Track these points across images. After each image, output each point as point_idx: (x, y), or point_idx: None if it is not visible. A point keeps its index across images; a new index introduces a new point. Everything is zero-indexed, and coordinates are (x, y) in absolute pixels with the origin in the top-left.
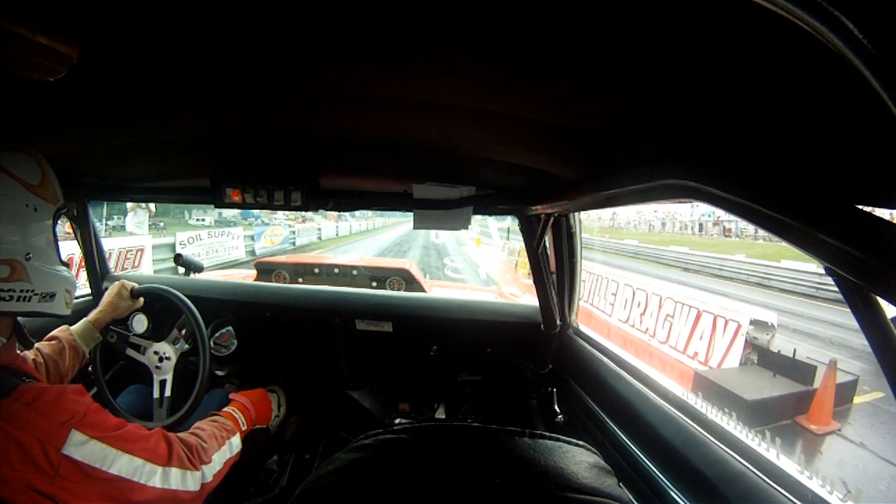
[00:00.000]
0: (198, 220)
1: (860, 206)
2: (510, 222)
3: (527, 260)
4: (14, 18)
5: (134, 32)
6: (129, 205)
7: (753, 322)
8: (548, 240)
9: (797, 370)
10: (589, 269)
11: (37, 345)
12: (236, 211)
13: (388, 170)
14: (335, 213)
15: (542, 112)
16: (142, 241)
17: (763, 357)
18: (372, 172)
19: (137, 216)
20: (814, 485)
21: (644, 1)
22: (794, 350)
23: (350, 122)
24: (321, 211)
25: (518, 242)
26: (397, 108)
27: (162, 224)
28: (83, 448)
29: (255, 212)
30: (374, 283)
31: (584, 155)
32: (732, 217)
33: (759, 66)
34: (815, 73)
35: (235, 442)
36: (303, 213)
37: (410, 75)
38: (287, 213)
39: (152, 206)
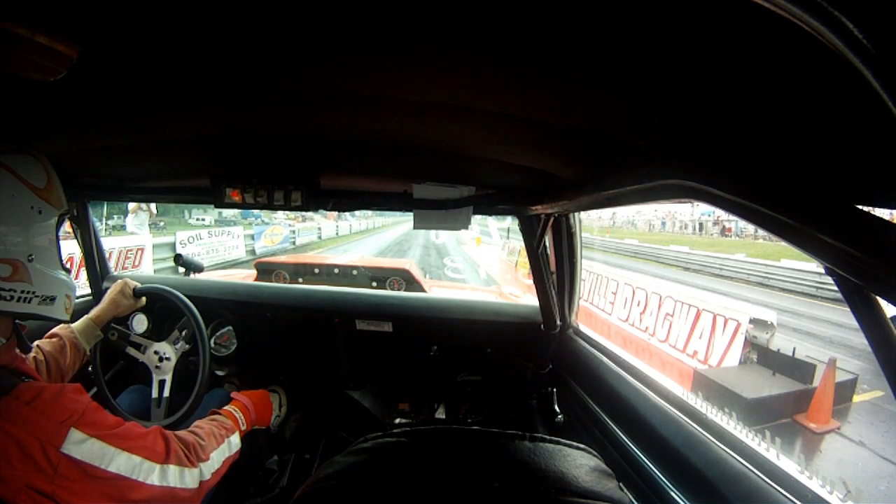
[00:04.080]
0: (198, 219)
1: (860, 206)
2: (510, 222)
3: (527, 260)
4: (14, 18)
5: (134, 32)
6: (131, 206)
7: (753, 321)
8: (548, 240)
9: (797, 369)
10: (589, 269)
11: (37, 342)
12: (236, 210)
13: (388, 170)
14: (335, 213)
15: (542, 112)
16: (142, 241)
17: (762, 356)
18: (372, 172)
19: (138, 218)
20: (814, 485)
21: (644, 1)
22: (794, 349)
23: (350, 122)
24: (321, 210)
25: (518, 242)
26: (397, 108)
27: (162, 223)
28: (82, 446)
29: (255, 211)
30: (374, 283)
31: (584, 155)
32: (732, 217)
33: (759, 67)
34: (814, 74)
35: (234, 441)
36: (303, 212)
37: (410, 75)
38: (287, 212)
39: (153, 207)
